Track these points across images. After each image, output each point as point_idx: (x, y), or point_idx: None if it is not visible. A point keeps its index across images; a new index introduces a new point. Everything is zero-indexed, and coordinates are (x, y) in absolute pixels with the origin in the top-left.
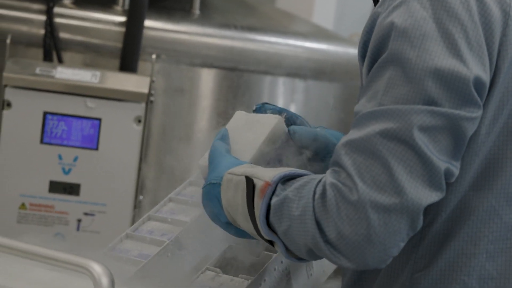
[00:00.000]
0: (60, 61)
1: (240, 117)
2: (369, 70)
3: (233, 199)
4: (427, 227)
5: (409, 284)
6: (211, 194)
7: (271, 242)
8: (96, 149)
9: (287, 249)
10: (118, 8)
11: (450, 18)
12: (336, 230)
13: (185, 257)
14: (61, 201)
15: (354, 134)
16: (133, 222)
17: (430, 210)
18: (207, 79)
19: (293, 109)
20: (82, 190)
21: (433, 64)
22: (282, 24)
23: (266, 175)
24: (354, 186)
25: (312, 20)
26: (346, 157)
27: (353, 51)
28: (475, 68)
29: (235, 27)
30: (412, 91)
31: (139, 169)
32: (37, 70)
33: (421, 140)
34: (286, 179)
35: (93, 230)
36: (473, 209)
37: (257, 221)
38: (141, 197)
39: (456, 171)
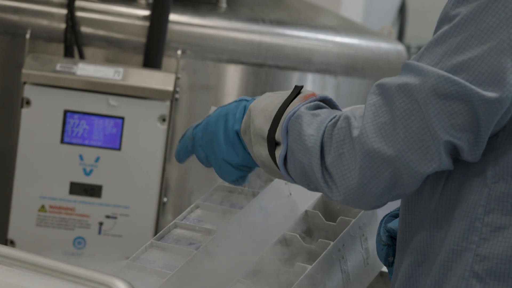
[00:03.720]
0: (82, 56)
1: None
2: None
3: (267, 102)
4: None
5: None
6: (235, 107)
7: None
8: (119, 149)
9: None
10: (142, 1)
11: None
12: (333, 158)
13: (214, 268)
14: (82, 203)
15: (388, 79)
16: (157, 225)
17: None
18: (234, 75)
19: None
20: (104, 192)
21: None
22: (311, 18)
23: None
24: (361, 125)
25: (341, 13)
26: (371, 95)
27: (385, 45)
28: None
29: (263, 21)
30: (446, 56)
31: (164, 170)
32: (58, 67)
33: (432, 104)
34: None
35: (115, 233)
36: None
37: (281, 120)
38: (165, 199)
39: (467, 151)
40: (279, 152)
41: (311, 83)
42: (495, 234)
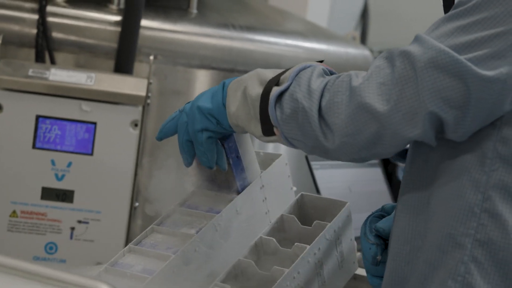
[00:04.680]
0: (53, 62)
1: None
2: None
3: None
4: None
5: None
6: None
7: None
8: (91, 154)
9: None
10: (113, 7)
11: None
12: (330, 105)
13: (192, 272)
14: (54, 208)
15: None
16: (128, 230)
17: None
18: (204, 80)
19: None
20: (76, 197)
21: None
22: (279, 23)
23: None
24: (361, 78)
25: (307, 18)
26: (379, 58)
27: (352, 50)
28: None
29: (233, 26)
30: (453, 34)
31: (135, 175)
32: (30, 72)
33: (427, 74)
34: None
35: (87, 238)
36: None
37: (292, 68)
38: (136, 204)
39: (453, 128)
40: (275, 90)
41: None
42: (493, 221)
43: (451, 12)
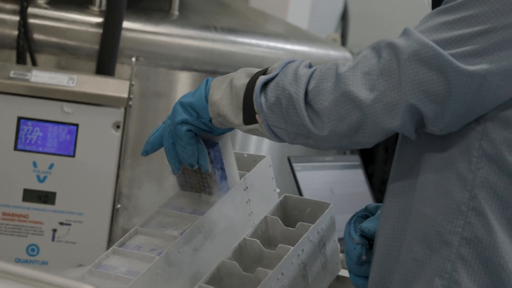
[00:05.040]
0: (34, 63)
1: None
2: None
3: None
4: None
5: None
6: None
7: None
8: (73, 156)
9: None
10: (95, 8)
11: None
12: (315, 91)
13: (176, 273)
14: (36, 210)
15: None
16: (110, 231)
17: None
18: (186, 82)
19: None
20: (58, 199)
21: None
22: (260, 25)
23: None
24: (347, 67)
25: (287, 20)
26: (367, 49)
27: (333, 52)
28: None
29: (215, 28)
30: (439, 29)
31: (118, 176)
32: (11, 74)
33: (409, 66)
34: None
35: (69, 240)
36: None
37: (279, 62)
38: (119, 206)
39: (432, 122)
40: (262, 78)
41: None
42: (480, 219)
43: (440, 7)
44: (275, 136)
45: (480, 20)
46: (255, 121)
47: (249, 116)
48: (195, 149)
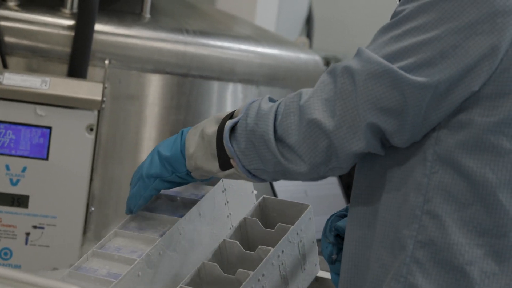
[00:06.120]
0: (5, 66)
1: None
2: None
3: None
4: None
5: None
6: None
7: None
8: (46, 159)
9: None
10: (66, 11)
11: None
12: (283, 126)
13: (157, 275)
14: (9, 213)
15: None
16: (84, 234)
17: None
18: (158, 85)
19: None
20: (31, 202)
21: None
22: (231, 28)
23: None
24: (307, 96)
25: (255, 23)
26: (324, 74)
27: (304, 56)
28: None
29: (187, 31)
30: (386, 45)
31: (91, 179)
32: None
33: (365, 87)
34: None
35: (42, 244)
36: None
37: (240, 108)
38: (92, 208)
39: (394, 137)
40: (228, 123)
41: (235, 93)
42: (434, 222)
43: (387, 24)
44: (254, 177)
45: (425, 29)
46: (231, 166)
47: (224, 162)
48: (145, 203)
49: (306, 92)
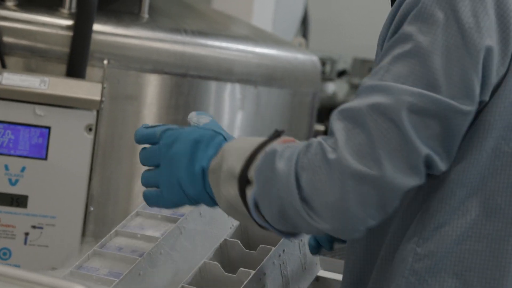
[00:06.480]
0: (4, 66)
1: None
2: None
3: (241, 144)
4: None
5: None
6: (212, 139)
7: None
8: (45, 158)
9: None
10: (65, 11)
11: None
12: (312, 185)
13: (158, 275)
14: (8, 213)
15: (350, 103)
16: (83, 234)
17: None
18: (156, 85)
19: (243, 116)
20: (30, 202)
21: (440, 51)
22: (229, 28)
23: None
24: (337, 147)
25: (252, 23)
26: (337, 122)
27: (301, 56)
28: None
29: (185, 31)
30: (413, 72)
31: (90, 179)
32: None
33: (408, 121)
34: None
35: (41, 244)
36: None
37: (255, 159)
38: (91, 208)
39: (440, 163)
40: (250, 191)
41: (233, 93)
42: (433, 234)
43: (400, 52)
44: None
45: (447, 56)
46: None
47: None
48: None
49: (326, 141)
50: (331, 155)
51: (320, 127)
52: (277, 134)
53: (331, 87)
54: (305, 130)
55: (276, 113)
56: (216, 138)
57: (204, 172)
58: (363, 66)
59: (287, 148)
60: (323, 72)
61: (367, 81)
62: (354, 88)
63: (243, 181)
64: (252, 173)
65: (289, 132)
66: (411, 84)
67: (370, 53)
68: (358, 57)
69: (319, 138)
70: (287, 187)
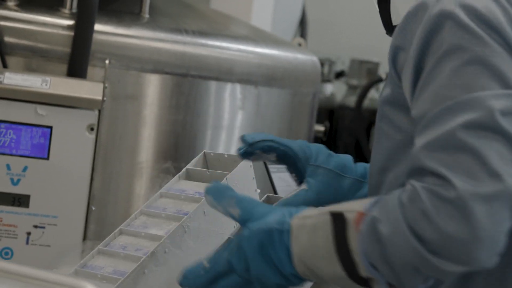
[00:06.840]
0: (5, 66)
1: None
2: (415, 68)
3: (310, 243)
4: None
5: None
6: (275, 241)
7: (365, 283)
8: (47, 158)
9: (390, 286)
10: (66, 11)
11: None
12: (439, 233)
13: (162, 273)
14: (9, 213)
15: (429, 135)
16: (85, 234)
17: None
18: (157, 85)
19: (244, 116)
20: (32, 202)
21: (496, 52)
22: (229, 28)
23: (354, 206)
24: (449, 184)
25: (251, 23)
26: (428, 159)
27: (301, 56)
28: None
29: (186, 31)
30: (483, 77)
31: (92, 179)
32: None
33: (506, 123)
34: None
35: (43, 243)
36: None
37: (355, 258)
38: (93, 208)
39: None
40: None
41: (234, 93)
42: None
43: (448, 67)
44: None
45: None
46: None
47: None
48: None
49: (428, 186)
50: (450, 194)
51: (320, 128)
52: (339, 216)
53: (329, 88)
54: (305, 130)
55: (277, 113)
56: (275, 237)
57: (295, 274)
58: (361, 67)
59: (386, 211)
60: (321, 73)
61: (429, 108)
62: (352, 89)
63: (363, 281)
64: (363, 272)
65: (289, 132)
66: (487, 89)
67: (368, 54)
68: (356, 58)
69: (418, 184)
70: (410, 249)
